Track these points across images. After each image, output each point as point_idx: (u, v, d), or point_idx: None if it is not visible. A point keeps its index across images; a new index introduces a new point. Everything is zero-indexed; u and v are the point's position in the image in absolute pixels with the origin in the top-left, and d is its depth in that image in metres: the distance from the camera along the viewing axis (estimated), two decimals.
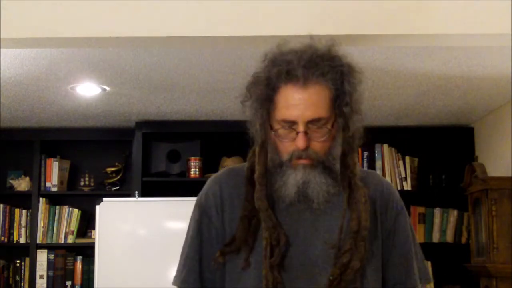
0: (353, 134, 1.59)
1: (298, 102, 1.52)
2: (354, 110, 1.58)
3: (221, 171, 1.74)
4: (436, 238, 5.09)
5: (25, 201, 5.20)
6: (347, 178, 1.59)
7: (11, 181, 5.26)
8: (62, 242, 5.14)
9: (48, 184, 5.19)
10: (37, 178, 5.17)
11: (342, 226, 1.57)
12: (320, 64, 1.54)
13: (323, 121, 1.54)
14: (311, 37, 1.60)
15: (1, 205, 5.19)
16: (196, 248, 1.65)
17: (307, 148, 1.54)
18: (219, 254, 1.59)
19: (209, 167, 4.99)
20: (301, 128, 1.53)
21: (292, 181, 1.56)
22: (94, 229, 4.73)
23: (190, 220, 1.70)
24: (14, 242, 5.16)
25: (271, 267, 1.52)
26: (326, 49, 1.58)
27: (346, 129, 1.58)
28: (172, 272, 1.71)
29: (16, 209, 5.19)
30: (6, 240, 5.16)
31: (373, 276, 1.62)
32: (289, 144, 1.55)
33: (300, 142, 1.53)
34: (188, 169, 4.98)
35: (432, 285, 5.02)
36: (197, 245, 1.65)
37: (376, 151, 5.15)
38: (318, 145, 1.55)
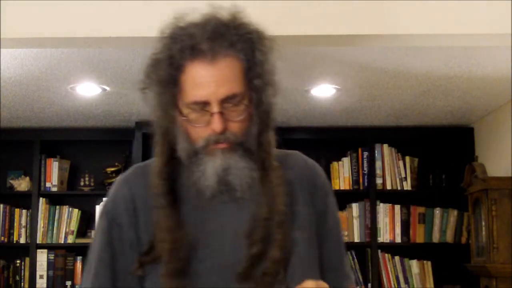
0: (268, 109, 1.40)
1: (209, 80, 1.33)
2: (267, 82, 1.38)
3: (128, 170, 1.52)
4: (436, 238, 5.09)
5: (25, 201, 5.20)
6: (261, 159, 1.40)
7: (11, 181, 5.25)
8: (62, 242, 5.14)
9: (48, 184, 5.19)
10: (37, 178, 5.16)
11: (256, 212, 1.37)
12: (227, 33, 1.35)
13: (238, 97, 1.35)
14: (212, 5, 1.40)
15: (1, 205, 5.19)
16: (106, 262, 1.40)
17: (224, 130, 1.34)
18: (137, 265, 1.37)
19: None
20: (215, 108, 1.33)
21: (210, 169, 1.36)
22: (94, 229, 4.73)
23: (96, 229, 1.45)
24: (14, 242, 5.15)
25: (173, 273, 1.32)
26: (230, 17, 1.38)
27: (260, 104, 1.38)
28: None
29: (16, 209, 5.19)
30: (6, 240, 5.15)
31: (306, 266, 1.43)
32: (203, 129, 1.35)
33: (217, 125, 1.33)
34: None
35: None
36: (108, 259, 1.40)
37: (376, 151, 5.15)
38: (236, 126, 1.36)
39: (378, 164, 5.13)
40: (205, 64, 1.33)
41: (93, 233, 4.97)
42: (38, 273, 5.07)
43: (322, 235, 1.48)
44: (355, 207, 5.12)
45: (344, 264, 1.54)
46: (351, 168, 5.15)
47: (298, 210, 1.45)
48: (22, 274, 5.14)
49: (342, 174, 5.17)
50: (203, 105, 1.34)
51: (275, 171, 1.40)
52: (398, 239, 5.07)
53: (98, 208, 4.51)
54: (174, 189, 1.38)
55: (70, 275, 5.13)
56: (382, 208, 5.10)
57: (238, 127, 1.36)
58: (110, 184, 5.31)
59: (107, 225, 1.42)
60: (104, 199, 4.46)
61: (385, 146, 5.16)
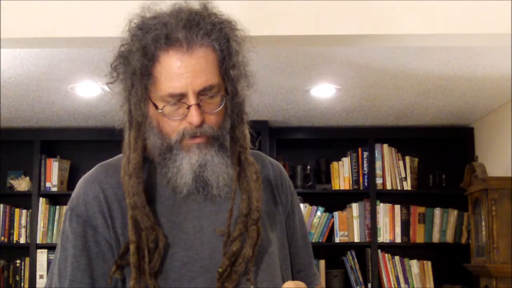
0: (242, 102, 1.35)
1: (185, 70, 1.27)
2: (242, 73, 1.34)
3: (94, 169, 1.49)
4: (436, 238, 5.09)
5: (25, 201, 5.20)
6: (237, 153, 1.35)
7: (11, 181, 5.25)
8: None
9: (48, 184, 5.19)
10: (37, 178, 5.16)
11: (232, 209, 1.33)
12: (201, 23, 1.29)
13: (215, 89, 1.30)
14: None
15: (1, 205, 5.19)
16: (83, 268, 1.31)
17: (202, 123, 1.30)
18: (115, 268, 1.29)
19: None
20: (192, 100, 1.28)
21: (186, 165, 1.31)
22: None
23: (65, 234, 1.35)
24: (14, 242, 5.15)
25: (150, 274, 1.28)
26: (202, 6, 1.33)
27: (236, 96, 1.33)
28: None
29: (16, 209, 5.19)
30: (6, 240, 5.15)
31: (280, 267, 1.41)
32: (178, 123, 1.30)
33: (194, 117, 1.28)
34: None
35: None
36: (85, 265, 1.31)
37: (376, 151, 5.15)
38: (213, 119, 1.31)
39: (378, 164, 5.13)
40: (181, 54, 1.28)
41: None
42: (38, 273, 5.07)
43: (290, 235, 1.47)
44: (355, 207, 5.12)
45: (312, 264, 1.53)
46: (351, 168, 5.15)
47: (271, 209, 1.43)
48: (22, 274, 5.14)
49: (342, 174, 5.17)
50: (179, 97, 1.29)
51: (252, 166, 1.35)
52: (398, 239, 5.07)
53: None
54: (146, 189, 1.33)
55: None
56: (382, 208, 5.10)
57: (215, 120, 1.32)
58: None
59: (81, 229, 1.33)
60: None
61: (385, 146, 5.16)
